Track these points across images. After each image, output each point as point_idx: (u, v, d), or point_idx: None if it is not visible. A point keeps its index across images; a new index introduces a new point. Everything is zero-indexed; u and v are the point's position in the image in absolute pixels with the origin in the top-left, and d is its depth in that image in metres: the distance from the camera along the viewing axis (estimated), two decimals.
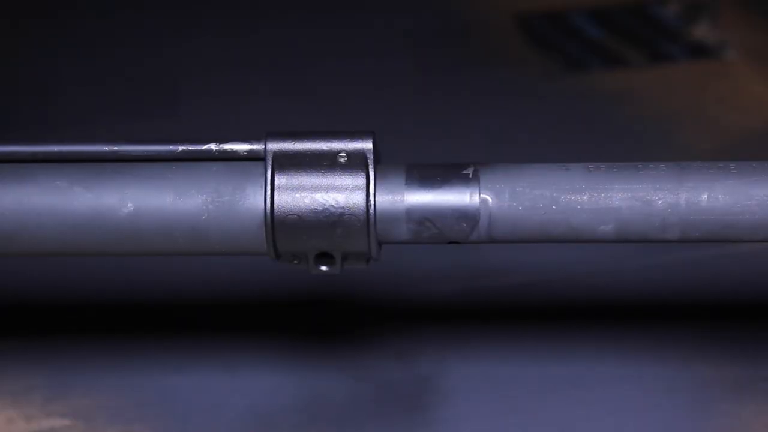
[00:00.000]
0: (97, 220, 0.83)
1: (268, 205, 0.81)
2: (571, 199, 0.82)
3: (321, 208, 0.81)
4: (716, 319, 1.42)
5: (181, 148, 0.84)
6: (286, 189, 0.82)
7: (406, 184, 0.83)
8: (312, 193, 0.81)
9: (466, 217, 0.83)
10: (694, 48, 2.02)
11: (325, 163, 0.82)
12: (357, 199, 0.82)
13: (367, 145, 0.83)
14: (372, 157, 0.82)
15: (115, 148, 0.84)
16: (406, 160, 0.86)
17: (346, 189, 0.82)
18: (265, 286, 1.47)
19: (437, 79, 1.95)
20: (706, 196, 0.81)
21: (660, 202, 0.82)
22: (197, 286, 1.48)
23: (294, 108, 1.87)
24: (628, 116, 1.83)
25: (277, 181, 0.82)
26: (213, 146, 0.84)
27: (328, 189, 0.82)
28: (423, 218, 0.83)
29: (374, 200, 0.82)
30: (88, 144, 0.84)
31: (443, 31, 2.08)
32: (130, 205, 0.83)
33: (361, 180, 0.82)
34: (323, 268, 0.85)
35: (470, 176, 0.83)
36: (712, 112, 1.84)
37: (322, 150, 0.83)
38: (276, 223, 0.82)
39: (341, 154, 0.82)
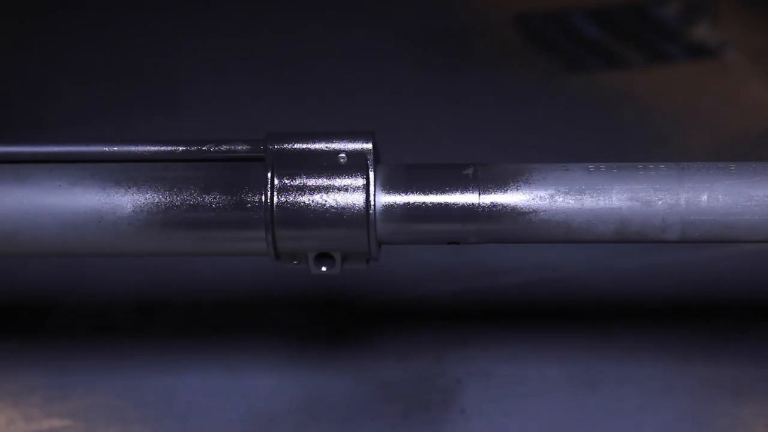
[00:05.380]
0: (97, 220, 0.83)
1: (268, 205, 0.81)
2: (571, 199, 0.82)
3: (321, 209, 0.81)
4: (716, 319, 1.42)
5: (181, 148, 0.84)
6: (286, 189, 0.81)
7: (406, 184, 0.83)
8: (312, 193, 0.81)
9: (466, 217, 0.82)
10: (694, 48, 2.02)
11: (325, 163, 0.82)
12: (357, 199, 0.81)
13: (367, 145, 0.82)
14: (372, 158, 0.82)
15: (115, 148, 0.84)
16: (406, 161, 0.86)
17: (346, 189, 0.81)
18: (265, 286, 1.47)
19: (437, 80, 1.95)
20: (706, 197, 0.81)
21: (660, 202, 0.82)
22: (197, 286, 1.48)
23: (294, 108, 1.87)
24: (628, 116, 1.83)
25: (277, 182, 0.82)
26: (213, 147, 0.84)
27: (328, 189, 0.81)
28: (423, 218, 0.83)
29: (374, 201, 0.82)
30: (88, 144, 0.84)
31: (443, 31, 2.08)
32: (129, 205, 0.83)
33: (361, 180, 0.82)
34: (323, 268, 0.85)
35: (470, 176, 0.83)
36: (712, 112, 1.84)
37: (322, 150, 0.82)
38: (276, 224, 0.82)
39: (341, 155, 0.82)
